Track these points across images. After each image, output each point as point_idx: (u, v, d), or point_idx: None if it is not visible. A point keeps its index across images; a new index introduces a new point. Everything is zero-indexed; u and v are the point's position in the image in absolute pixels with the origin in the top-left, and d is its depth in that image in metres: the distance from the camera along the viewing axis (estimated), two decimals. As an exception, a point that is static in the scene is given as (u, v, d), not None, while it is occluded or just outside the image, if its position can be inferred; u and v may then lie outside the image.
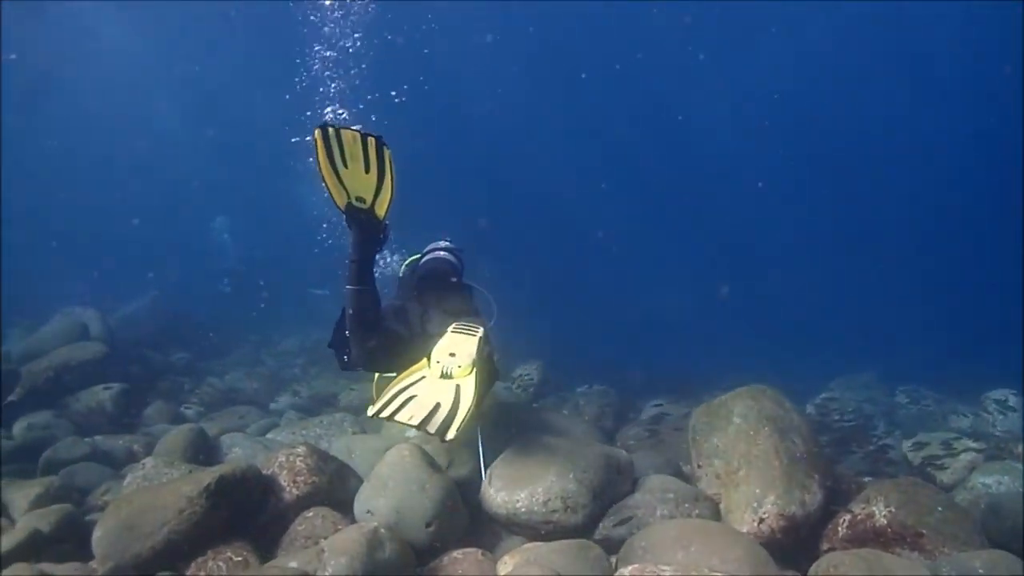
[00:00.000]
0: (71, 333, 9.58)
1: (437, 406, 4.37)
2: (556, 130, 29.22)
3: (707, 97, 27.89)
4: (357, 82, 12.06)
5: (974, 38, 23.40)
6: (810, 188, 27.08)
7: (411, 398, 4.45)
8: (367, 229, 4.91)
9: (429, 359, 4.79)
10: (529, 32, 26.82)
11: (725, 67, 27.19)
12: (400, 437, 6.46)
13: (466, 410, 4.43)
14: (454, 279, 6.23)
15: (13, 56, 22.60)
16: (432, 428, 4.21)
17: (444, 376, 4.65)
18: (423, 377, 4.69)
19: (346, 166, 4.70)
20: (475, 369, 4.71)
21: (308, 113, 11.79)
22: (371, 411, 4.33)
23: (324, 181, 4.75)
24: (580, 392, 9.59)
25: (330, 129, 4.60)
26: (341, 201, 4.86)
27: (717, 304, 18.26)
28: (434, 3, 22.65)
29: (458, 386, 4.59)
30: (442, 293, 5.94)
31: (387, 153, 4.66)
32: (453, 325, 5.17)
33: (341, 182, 4.77)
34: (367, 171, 4.71)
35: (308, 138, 4.63)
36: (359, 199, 4.83)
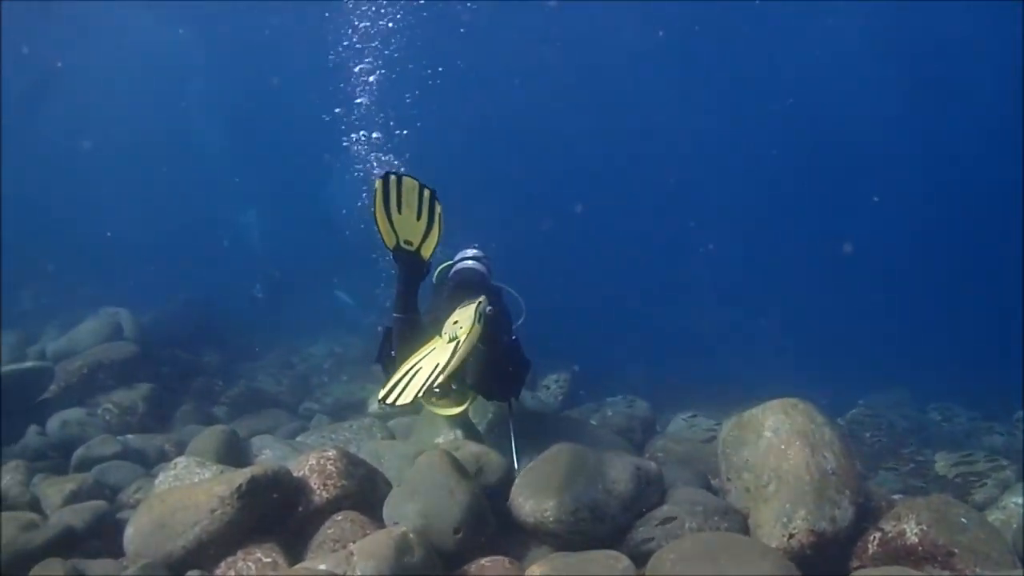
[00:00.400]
0: (105, 332, 9.72)
1: (436, 366, 4.47)
2: (580, 132, 29.05)
3: (722, 98, 27.65)
4: (388, 52, 12.10)
5: (975, 39, 23.12)
6: (838, 197, 26.80)
7: (417, 372, 4.53)
8: (412, 267, 5.33)
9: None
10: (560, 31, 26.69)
11: (739, 68, 26.91)
12: (430, 443, 6.49)
13: (461, 354, 4.64)
14: (484, 286, 6.41)
15: (26, 50, 22.74)
16: (422, 392, 4.28)
17: (451, 341, 4.87)
18: (433, 349, 4.89)
19: (400, 212, 5.02)
20: (475, 326, 4.94)
21: (341, 85, 11.87)
22: (380, 395, 4.41)
23: (377, 224, 5.03)
24: (609, 402, 9.56)
25: (392, 177, 4.90)
26: (390, 242, 5.15)
27: (748, 316, 18.08)
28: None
29: (458, 342, 4.76)
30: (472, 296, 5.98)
31: (439, 206, 5.05)
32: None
33: (393, 226, 5.07)
34: (418, 218, 5.08)
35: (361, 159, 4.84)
36: (407, 242, 5.19)
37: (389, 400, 4.29)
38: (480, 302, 5.24)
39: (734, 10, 24.12)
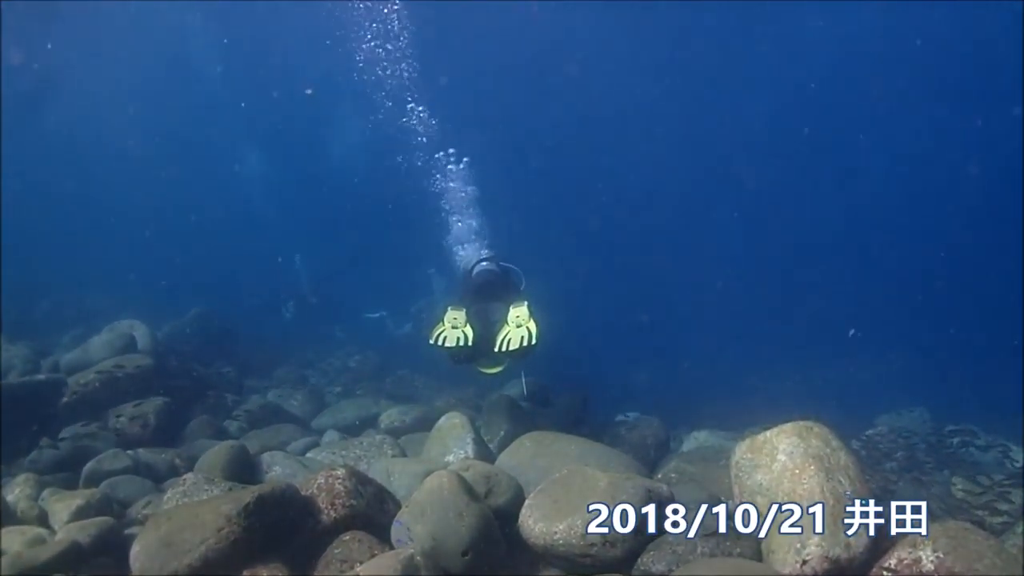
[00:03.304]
0: (118, 345, 9.69)
1: (521, 339, 7.62)
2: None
3: (733, 105, 27.59)
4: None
5: (974, 39, 22.99)
6: (846, 206, 26.72)
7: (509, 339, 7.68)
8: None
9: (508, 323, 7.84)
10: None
11: (745, 73, 26.81)
12: (439, 461, 6.45)
13: (535, 327, 7.63)
14: (499, 281, 8.80)
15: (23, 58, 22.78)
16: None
17: (518, 327, 7.70)
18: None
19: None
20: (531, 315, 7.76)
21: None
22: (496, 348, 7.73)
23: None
24: (622, 420, 9.48)
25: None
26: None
27: (763, 332, 17.95)
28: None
29: (531, 332, 7.63)
30: (494, 291, 8.57)
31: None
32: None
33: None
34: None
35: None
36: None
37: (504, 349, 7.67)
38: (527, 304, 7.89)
39: (739, 9, 24.10)
